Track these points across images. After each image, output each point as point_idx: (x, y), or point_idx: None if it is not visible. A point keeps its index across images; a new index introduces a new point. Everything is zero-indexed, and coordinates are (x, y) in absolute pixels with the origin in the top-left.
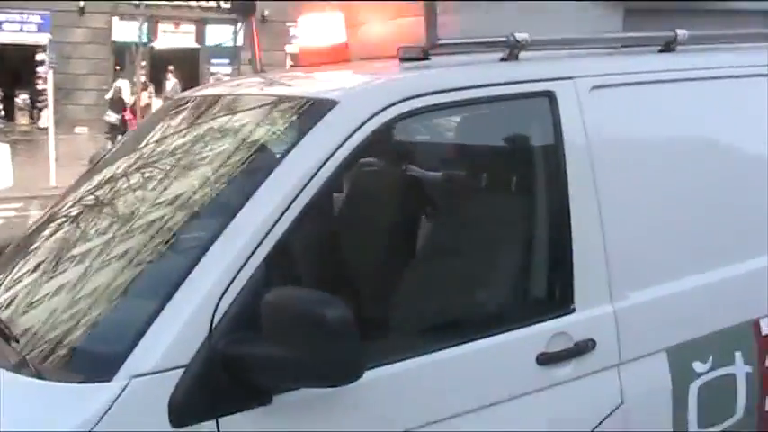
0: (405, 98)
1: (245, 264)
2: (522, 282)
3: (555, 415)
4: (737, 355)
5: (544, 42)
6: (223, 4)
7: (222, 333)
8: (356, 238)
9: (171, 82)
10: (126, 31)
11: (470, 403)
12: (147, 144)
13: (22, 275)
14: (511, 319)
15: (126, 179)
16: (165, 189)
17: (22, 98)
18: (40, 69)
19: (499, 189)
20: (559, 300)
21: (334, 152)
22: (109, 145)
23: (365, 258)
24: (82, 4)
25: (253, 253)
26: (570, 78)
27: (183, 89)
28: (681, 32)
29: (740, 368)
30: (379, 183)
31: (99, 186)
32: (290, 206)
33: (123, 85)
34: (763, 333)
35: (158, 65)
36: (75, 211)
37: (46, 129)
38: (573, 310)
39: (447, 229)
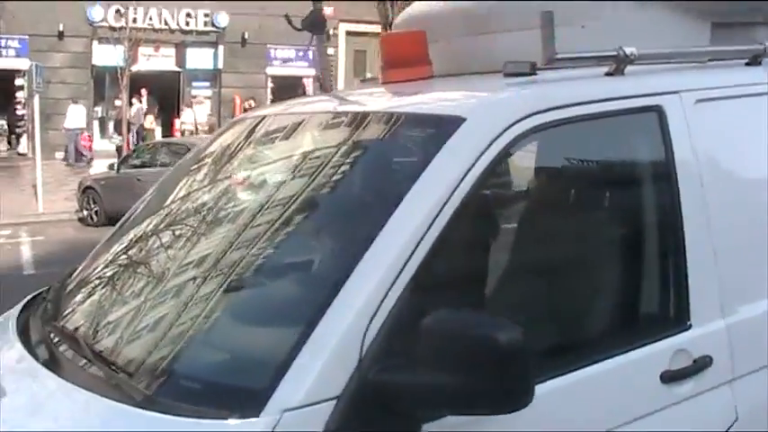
0: (531, 113)
1: (390, 288)
2: (641, 299)
3: None
4: None
5: (650, 56)
6: (203, 27)
7: (371, 361)
8: (492, 256)
9: (135, 107)
10: (106, 54)
11: (599, 427)
12: (242, 161)
13: (115, 301)
14: (634, 337)
15: (233, 196)
16: (292, 209)
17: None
18: (19, 95)
19: (616, 205)
20: (677, 316)
21: (469, 169)
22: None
23: (503, 277)
24: (61, 27)
25: (397, 277)
26: (676, 92)
27: (162, 111)
28: None
29: None
30: (511, 200)
31: (196, 202)
32: (431, 226)
33: (77, 110)
34: None
35: (139, 88)
36: (168, 231)
37: (25, 155)
38: (689, 327)
39: (566, 247)
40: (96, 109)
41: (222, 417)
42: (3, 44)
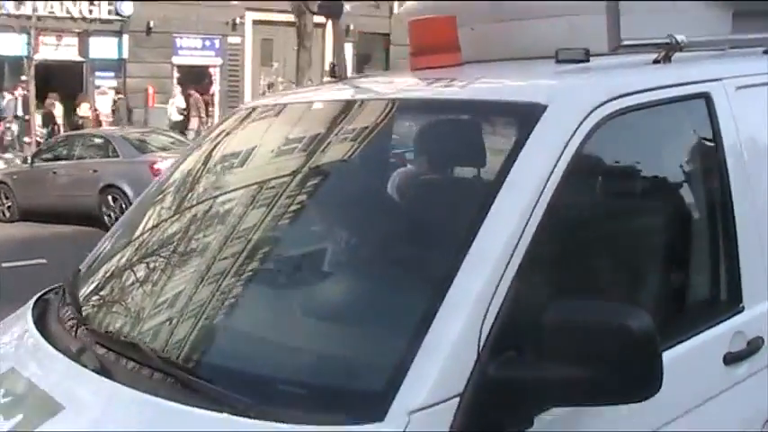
0: (608, 99)
1: (499, 282)
2: (701, 282)
3: (742, 415)
4: None
5: (698, 44)
6: (107, 16)
7: (488, 357)
8: (589, 243)
9: (6, 98)
10: (6, 43)
11: (676, 411)
12: (307, 150)
13: (172, 302)
14: (699, 320)
15: (314, 188)
16: (383, 205)
17: None
18: None
19: (677, 191)
20: (731, 299)
21: (559, 157)
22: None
23: (598, 264)
24: None
25: (505, 270)
26: (719, 80)
27: (66, 103)
28: None
29: None
30: (594, 186)
31: (258, 190)
32: (531, 216)
33: None
34: None
35: (42, 79)
36: (230, 222)
37: None
38: (743, 309)
39: (641, 233)
40: None
41: (338, 422)
42: None
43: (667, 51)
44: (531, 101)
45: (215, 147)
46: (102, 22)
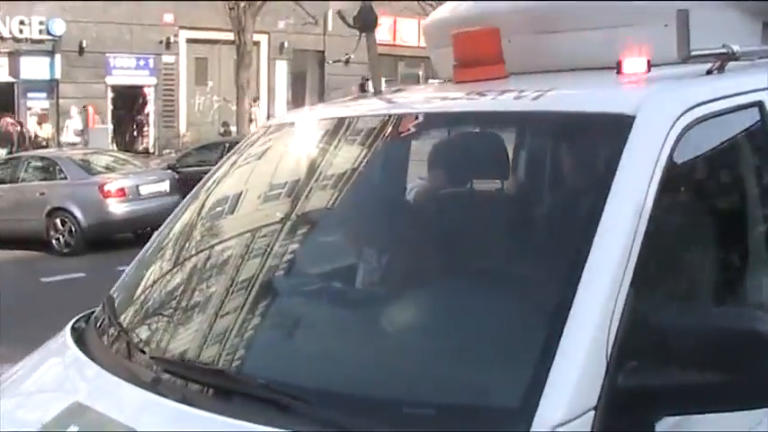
0: (687, 109)
1: (618, 292)
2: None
3: None
4: None
5: (751, 53)
6: (38, 35)
7: (615, 366)
8: (691, 248)
9: None
10: None
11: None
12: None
13: (278, 323)
14: None
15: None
16: (485, 216)
17: None
18: None
19: (746, 196)
20: None
21: (655, 166)
22: None
23: (703, 267)
24: None
25: (622, 280)
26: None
27: None
28: None
29: None
30: (693, 192)
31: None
32: (639, 225)
33: None
34: None
35: None
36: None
37: None
38: None
39: (731, 236)
40: None
41: None
42: None
43: (723, 61)
44: (619, 112)
45: (271, 160)
46: (34, 41)
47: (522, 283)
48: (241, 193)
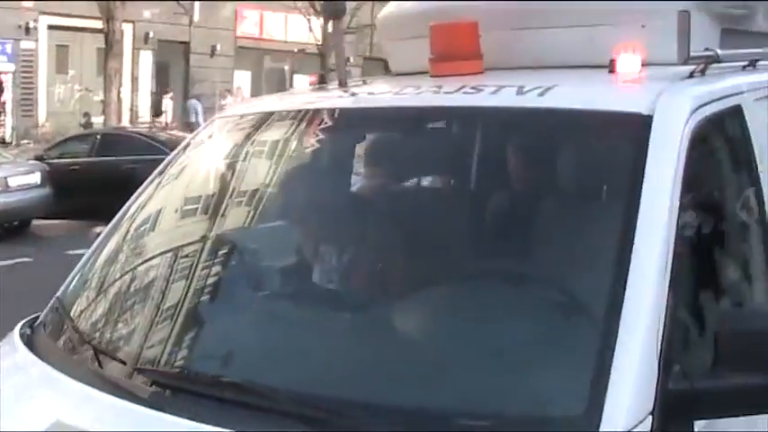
0: (694, 109)
1: (662, 293)
2: None
3: None
4: None
5: (733, 57)
6: None
7: (665, 370)
8: (721, 245)
9: None
10: None
11: None
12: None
13: (307, 330)
14: None
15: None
16: (508, 220)
17: None
18: None
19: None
20: None
21: (677, 164)
22: None
23: (737, 264)
24: None
25: (664, 283)
26: (742, 93)
27: None
28: None
29: None
30: (712, 189)
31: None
32: (672, 225)
33: None
34: None
35: None
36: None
37: None
38: None
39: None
40: None
41: None
42: None
43: (706, 64)
44: (635, 111)
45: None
46: None
47: (568, 289)
48: (203, 189)
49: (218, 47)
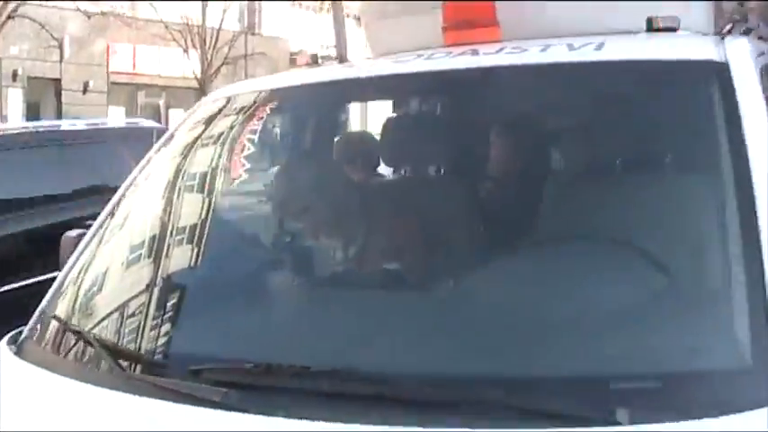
0: (757, 56)
1: None
2: None
3: None
4: None
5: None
6: None
7: None
8: None
9: None
10: None
11: None
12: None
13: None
14: None
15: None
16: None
17: None
18: None
19: None
20: None
21: (764, 109)
22: None
23: None
24: None
25: None
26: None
27: None
28: None
29: None
30: None
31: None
32: None
33: None
34: None
35: None
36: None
37: None
38: None
39: None
40: None
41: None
42: None
43: (731, 28)
44: (709, 58)
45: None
46: None
47: (705, 243)
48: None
49: (91, 83)
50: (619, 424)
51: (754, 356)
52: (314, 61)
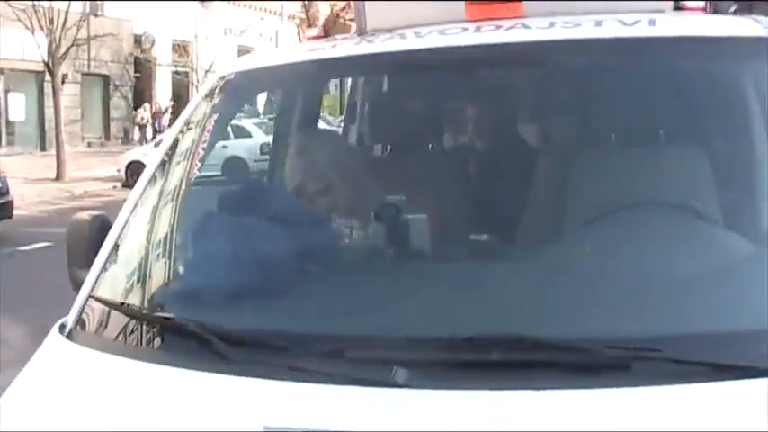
0: None
1: None
2: None
3: None
4: None
5: None
6: None
7: None
8: None
9: None
10: None
11: None
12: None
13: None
14: None
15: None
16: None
17: None
18: None
19: None
20: None
21: None
22: None
23: None
24: None
25: None
26: None
27: None
28: None
29: None
30: None
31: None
32: None
33: None
34: None
35: None
36: None
37: None
38: None
39: None
40: None
41: None
42: None
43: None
44: (760, 35)
45: None
46: None
47: None
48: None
49: None
50: None
51: None
52: (326, 35)
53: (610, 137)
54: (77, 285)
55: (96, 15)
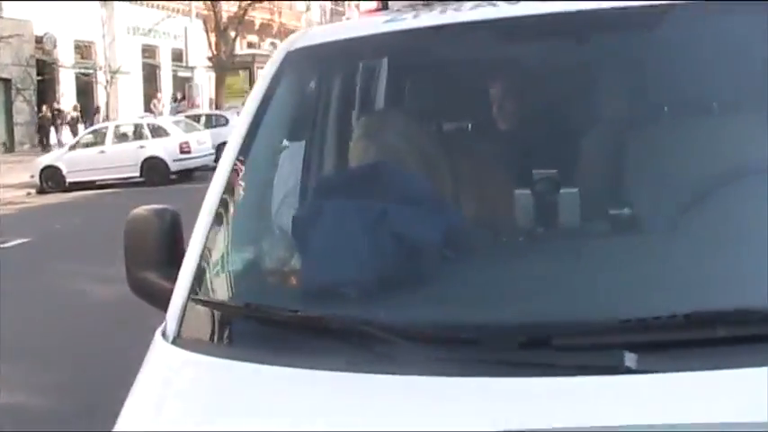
0: None
1: None
2: None
3: None
4: None
5: None
6: None
7: None
8: None
9: None
10: None
11: None
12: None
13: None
14: None
15: None
16: None
17: None
18: None
19: None
20: None
21: None
22: None
23: None
24: None
25: None
26: None
27: None
28: None
29: None
30: None
31: None
32: None
33: None
34: None
35: None
36: None
37: None
38: None
39: None
40: None
41: None
42: None
43: None
44: None
45: None
46: None
47: None
48: None
49: None
50: None
51: None
52: (384, 7)
53: (712, 107)
54: (143, 290)
55: None
